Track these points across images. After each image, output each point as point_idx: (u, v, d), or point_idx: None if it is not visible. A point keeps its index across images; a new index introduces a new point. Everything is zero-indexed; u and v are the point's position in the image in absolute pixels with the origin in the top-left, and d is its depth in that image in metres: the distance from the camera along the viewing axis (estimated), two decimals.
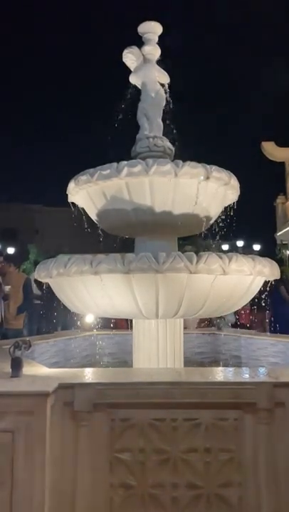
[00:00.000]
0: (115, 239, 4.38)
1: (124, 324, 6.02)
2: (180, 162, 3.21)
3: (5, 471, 1.99)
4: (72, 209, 3.91)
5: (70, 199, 3.78)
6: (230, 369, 3.00)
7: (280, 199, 22.69)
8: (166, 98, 3.87)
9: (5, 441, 2.00)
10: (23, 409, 2.03)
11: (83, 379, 2.38)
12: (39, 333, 6.49)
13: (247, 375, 2.55)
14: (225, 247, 19.73)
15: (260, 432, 2.21)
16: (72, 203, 3.84)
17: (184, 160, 3.24)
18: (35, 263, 8.95)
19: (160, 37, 3.91)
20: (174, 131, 3.88)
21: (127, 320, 5.50)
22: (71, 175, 3.57)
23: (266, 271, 3.09)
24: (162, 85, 3.91)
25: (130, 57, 3.86)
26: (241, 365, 4.65)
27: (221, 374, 2.65)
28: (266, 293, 3.66)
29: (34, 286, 6.56)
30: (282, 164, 21.43)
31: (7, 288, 5.84)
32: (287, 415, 2.22)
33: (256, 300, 3.79)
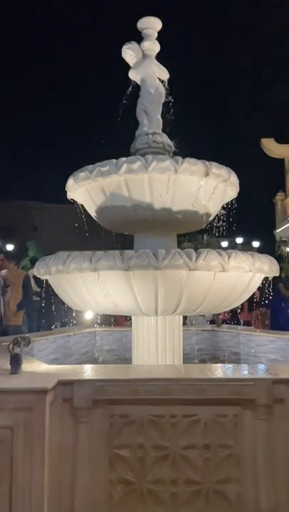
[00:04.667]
0: (115, 236, 4.37)
1: (124, 321, 6.04)
2: (179, 158, 3.19)
3: (4, 467, 1.99)
4: (72, 206, 3.90)
5: (69, 196, 3.77)
6: (230, 365, 3.00)
7: (279, 196, 22.74)
8: (166, 94, 3.85)
9: (4, 438, 2.01)
10: (22, 405, 2.04)
11: (82, 375, 2.38)
12: (39, 330, 6.49)
13: (246, 372, 2.55)
14: (224, 243, 19.73)
15: (259, 428, 2.21)
16: (72, 199, 3.83)
17: (184, 157, 3.23)
18: (32, 260, 8.95)
19: (159, 32, 3.89)
20: (172, 126, 3.87)
21: (126, 317, 5.51)
22: (70, 171, 3.56)
23: (265, 268, 3.09)
24: (162, 81, 3.89)
25: (129, 53, 3.83)
26: (240, 361, 4.66)
27: (220, 370, 2.65)
28: (266, 290, 3.67)
29: (33, 282, 6.55)
30: (281, 161, 21.44)
31: (3, 272, 5.82)
32: (286, 412, 2.22)
33: (256, 298, 3.79)
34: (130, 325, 3.77)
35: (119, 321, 6.17)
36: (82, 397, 2.18)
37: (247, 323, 7.01)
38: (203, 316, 6.50)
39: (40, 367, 2.63)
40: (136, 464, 2.17)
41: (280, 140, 20.89)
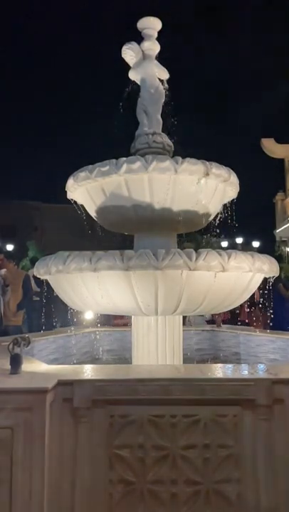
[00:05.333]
0: (115, 235, 4.37)
1: (124, 321, 6.03)
2: (179, 158, 3.19)
3: (4, 467, 1.99)
4: (72, 206, 3.90)
5: (69, 196, 3.77)
6: (230, 366, 3.00)
7: (279, 196, 22.70)
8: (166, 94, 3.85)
9: (4, 438, 2.01)
10: (22, 405, 2.04)
11: (82, 375, 2.38)
12: (39, 330, 6.49)
13: (246, 372, 2.55)
14: (224, 244, 19.70)
15: (259, 428, 2.21)
16: (72, 199, 3.83)
17: (184, 157, 3.23)
18: (32, 260, 8.96)
19: (159, 32, 3.89)
20: (174, 126, 3.86)
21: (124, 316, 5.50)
22: (70, 171, 3.56)
23: (265, 268, 3.09)
24: (161, 81, 3.89)
25: (129, 53, 3.83)
26: (240, 361, 4.66)
27: (220, 370, 2.65)
28: (266, 290, 3.67)
29: (33, 282, 6.56)
30: (281, 161, 21.42)
31: (3, 272, 5.84)
32: (286, 412, 2.22)
33: (254, 298, 3.79)
34: (127, 323, 3.76)
35: (120, 320, 6.16)
36: (82, 397, 2.18)
37: (245, 324, 7.01)
38: (202, 315, 6.50)
39: (40, 367, 2.63)
40: (136, 464, 2.17)
41: (280, 140, 20.87)
